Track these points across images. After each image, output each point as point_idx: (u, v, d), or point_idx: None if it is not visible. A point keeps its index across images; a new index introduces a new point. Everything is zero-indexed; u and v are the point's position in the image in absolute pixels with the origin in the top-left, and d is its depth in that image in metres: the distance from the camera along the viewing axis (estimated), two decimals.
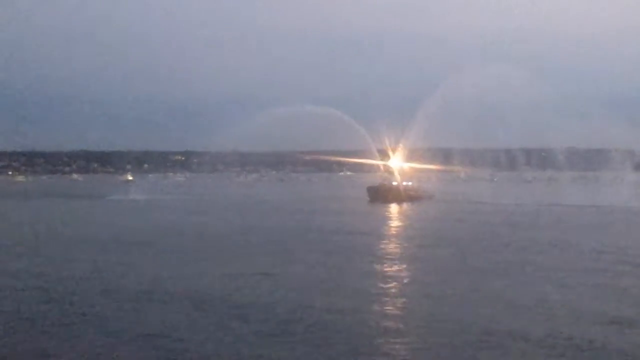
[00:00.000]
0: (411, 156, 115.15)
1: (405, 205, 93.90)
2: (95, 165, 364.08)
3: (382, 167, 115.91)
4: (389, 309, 25.45)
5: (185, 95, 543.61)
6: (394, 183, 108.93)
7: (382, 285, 30.54)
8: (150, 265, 36.51)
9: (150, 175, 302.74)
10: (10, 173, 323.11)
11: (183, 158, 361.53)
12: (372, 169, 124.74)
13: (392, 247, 46.67)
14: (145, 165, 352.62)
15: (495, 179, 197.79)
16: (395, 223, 68.24)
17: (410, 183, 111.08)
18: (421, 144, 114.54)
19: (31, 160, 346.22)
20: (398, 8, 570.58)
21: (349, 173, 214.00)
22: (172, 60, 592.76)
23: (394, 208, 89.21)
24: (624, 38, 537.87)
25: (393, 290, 29.41)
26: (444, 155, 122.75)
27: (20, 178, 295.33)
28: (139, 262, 37.97)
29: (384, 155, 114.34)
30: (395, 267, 36.01)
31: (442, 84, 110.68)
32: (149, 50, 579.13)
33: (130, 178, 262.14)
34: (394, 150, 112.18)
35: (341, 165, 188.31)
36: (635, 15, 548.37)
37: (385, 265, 36.63)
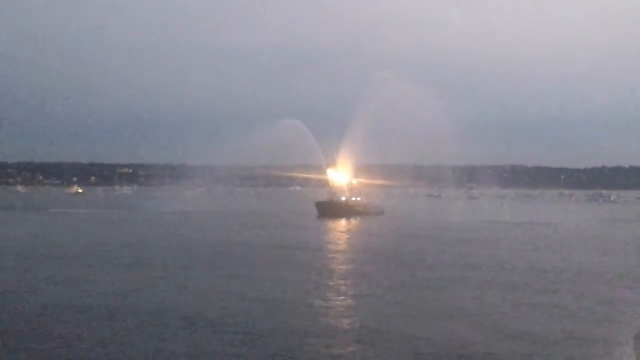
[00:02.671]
0: (360, 172, 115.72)
1: (353, 221, 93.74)
2: (41, 177, 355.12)
3: (331, 183, 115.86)
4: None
5: (133, 107, 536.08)
6: (343, 199, 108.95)
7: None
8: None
9: (97, 188, 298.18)
10: None
11: (130, 171, 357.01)
12: (322, 184, 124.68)
13: (321, 262, 46.02)
14: (93, 178, 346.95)
15: (443, 196, 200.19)
16: (333, 239, 67.85)
17: (359, 199, 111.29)
18: (370, 160, 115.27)
19: None
20: (355, 27, 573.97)
21: (298, 188, 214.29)
22: (120, 72, 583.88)
23: (341, 224, 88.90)
24: (554, 59, 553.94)
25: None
26: (393, 172, 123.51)
27: None
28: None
29: (333, 170, 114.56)
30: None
31: (373, 101, 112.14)
32: (97, 61, 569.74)
33: (80, 190, 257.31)
34: (343, 166, 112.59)
35: (291, 180, 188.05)
36: (564, 37, 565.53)
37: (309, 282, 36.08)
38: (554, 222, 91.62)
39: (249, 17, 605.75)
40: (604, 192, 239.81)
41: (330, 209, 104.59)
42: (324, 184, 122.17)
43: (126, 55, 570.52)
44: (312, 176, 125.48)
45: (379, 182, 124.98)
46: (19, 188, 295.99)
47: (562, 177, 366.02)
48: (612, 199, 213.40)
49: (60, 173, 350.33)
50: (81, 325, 24.89)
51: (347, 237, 71.01)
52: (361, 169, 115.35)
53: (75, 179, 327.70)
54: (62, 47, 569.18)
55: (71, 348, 21.82)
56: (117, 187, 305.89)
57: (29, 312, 27.33)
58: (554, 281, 36.88)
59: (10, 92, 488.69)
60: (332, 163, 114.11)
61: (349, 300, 30.88)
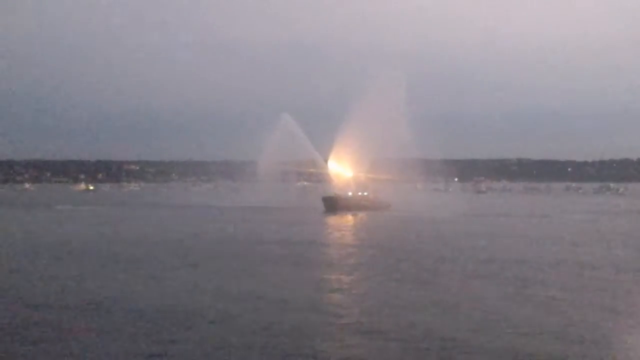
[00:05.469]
0: (366, 167, 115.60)
1: (359, 216, 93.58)
2: (48, 174, 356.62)
3: (333, 177, 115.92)
4: None
5: (139, 104, 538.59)
6: (349, 193, 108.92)
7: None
8: None
9: (104, 184, 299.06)
10: None
11: (137, 167, 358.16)
12: (324, 179, 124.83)
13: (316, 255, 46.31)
14: (100, 175, 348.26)
15: (450, 190, 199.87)
16: (337, 233, 67.98)
17: (365, 193, 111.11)
18: (375, 154, 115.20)
19: None
20: (363, 23, 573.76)
21: (305, 183, 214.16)
22: (125, 70, 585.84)
23: (347, 218, 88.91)
24: (562, 52, 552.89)
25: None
26: (398, 166, 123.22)
27: None
28: None
29: (335, 165, 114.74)
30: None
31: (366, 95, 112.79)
32: (102, 59, 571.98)
33: (91, 187, 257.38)
34: (345, 161, 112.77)
35: (298, 175, 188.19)
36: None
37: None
38: (556, 214, 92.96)
39: (250, 14, 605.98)
40: (611, 184, 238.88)
41: (337, 203, 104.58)
42: (326, 179, 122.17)
43: (132, 52, 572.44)
44: (320, 171, 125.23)
45: (385, 176, 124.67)
46: (27, 185, 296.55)
47: (569, 169, 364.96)
48: (620, 191, 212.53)
49: (67, 170, 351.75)
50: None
51: (352, 231, 71.12)
52: (367, 164, 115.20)
53: (82, 176, 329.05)
54: (67, 45, 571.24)
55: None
56: (125, 184, 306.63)
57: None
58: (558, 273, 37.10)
59: (16, 90, 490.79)
60: (328, 158, 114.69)
61: (349, 295, 31.24)
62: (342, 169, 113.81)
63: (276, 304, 28.29)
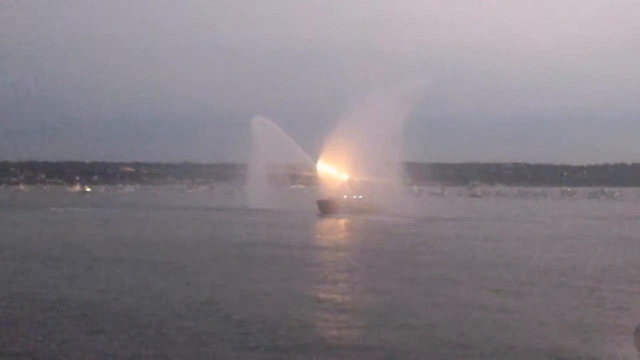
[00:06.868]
0: (361, 170, 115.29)
1: (354, 219, 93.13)
2: (43, 175, 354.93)
3: (328, 180, 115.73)
4: None
5: (134, 106, 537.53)
6: (345, 196, 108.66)
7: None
8: None
9: (99, 186, 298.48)
10: None
11: (132, 169, 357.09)
12: (317, 182, 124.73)
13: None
14: (95, 177, 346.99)
15: (445, 193, 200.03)
16: (331, 237, 67.96)
17: (361, 196, 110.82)
18: (371, 158, 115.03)
19: None
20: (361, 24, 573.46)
21: (301, 186, 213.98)
22: (121, 71, 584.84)
23: (341, 222, 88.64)
24: (557, 56, 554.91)
25: None
26: (395, 169, 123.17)
27: None
28: None
29: (330, 167, 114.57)
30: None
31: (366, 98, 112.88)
32: (97, 60, 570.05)
33: (88, 189, 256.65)
34: (338, 163, 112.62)
35: (293, 178, 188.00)
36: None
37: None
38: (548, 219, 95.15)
39: (246, 17, 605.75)
40: (606, 189, 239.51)
41: (332, 207, 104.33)
42: (318, 182, 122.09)
43: (128, 53, 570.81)
44: (314, 174, 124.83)
45: (381, 180, 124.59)
46: (21, 187, 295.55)
47: (565, 174, 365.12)
48: (615, 195, 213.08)
49: (62, 172, 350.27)
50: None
51: (343, 235, 70.98)
52: (362, 167, 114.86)
53: (77, 178, 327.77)
54: (63, 46, 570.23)
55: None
56: (120, 186, 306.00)
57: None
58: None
59: (11, 90, 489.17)
60: (333, 161, 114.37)
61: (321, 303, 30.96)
62: (333, 172, 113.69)
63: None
